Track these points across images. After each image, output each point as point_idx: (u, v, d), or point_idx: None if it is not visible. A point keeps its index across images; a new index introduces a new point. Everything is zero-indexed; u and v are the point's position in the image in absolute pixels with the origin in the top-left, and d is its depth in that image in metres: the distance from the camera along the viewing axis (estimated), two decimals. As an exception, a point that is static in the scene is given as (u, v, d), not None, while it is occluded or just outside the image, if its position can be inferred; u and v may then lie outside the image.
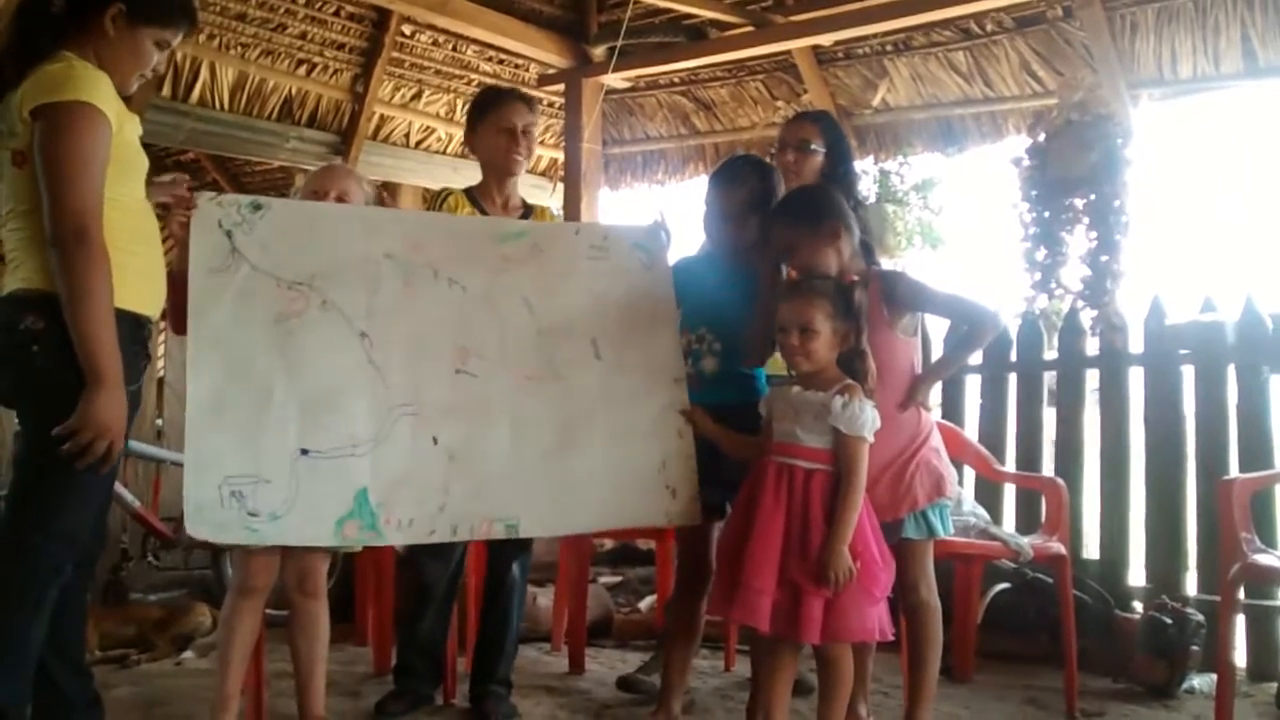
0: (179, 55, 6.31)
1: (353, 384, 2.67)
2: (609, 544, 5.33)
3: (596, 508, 2.88)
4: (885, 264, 3.06)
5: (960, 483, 3.87)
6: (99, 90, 2.28)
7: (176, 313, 2.62)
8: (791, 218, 2.89)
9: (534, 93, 7.16)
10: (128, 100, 2.44)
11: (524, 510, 2.79)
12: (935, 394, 3.61)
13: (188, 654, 3.90)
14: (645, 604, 4.71)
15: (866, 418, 2.61)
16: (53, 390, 2.24)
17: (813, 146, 3.44)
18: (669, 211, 3.11)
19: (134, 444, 4.40)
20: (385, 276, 2.78)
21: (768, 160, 3.40)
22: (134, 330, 2.38)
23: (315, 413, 2.62)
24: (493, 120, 3.27)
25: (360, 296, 2.73)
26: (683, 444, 2.92)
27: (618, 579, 5.09)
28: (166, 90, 6.32)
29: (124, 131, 2.36)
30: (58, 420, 2.23)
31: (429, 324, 2.79)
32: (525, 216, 3.30)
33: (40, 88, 2.25)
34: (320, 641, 2.80)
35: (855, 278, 2.77)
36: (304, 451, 2.59)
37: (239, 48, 6.53)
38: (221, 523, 2.52)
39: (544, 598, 4.42)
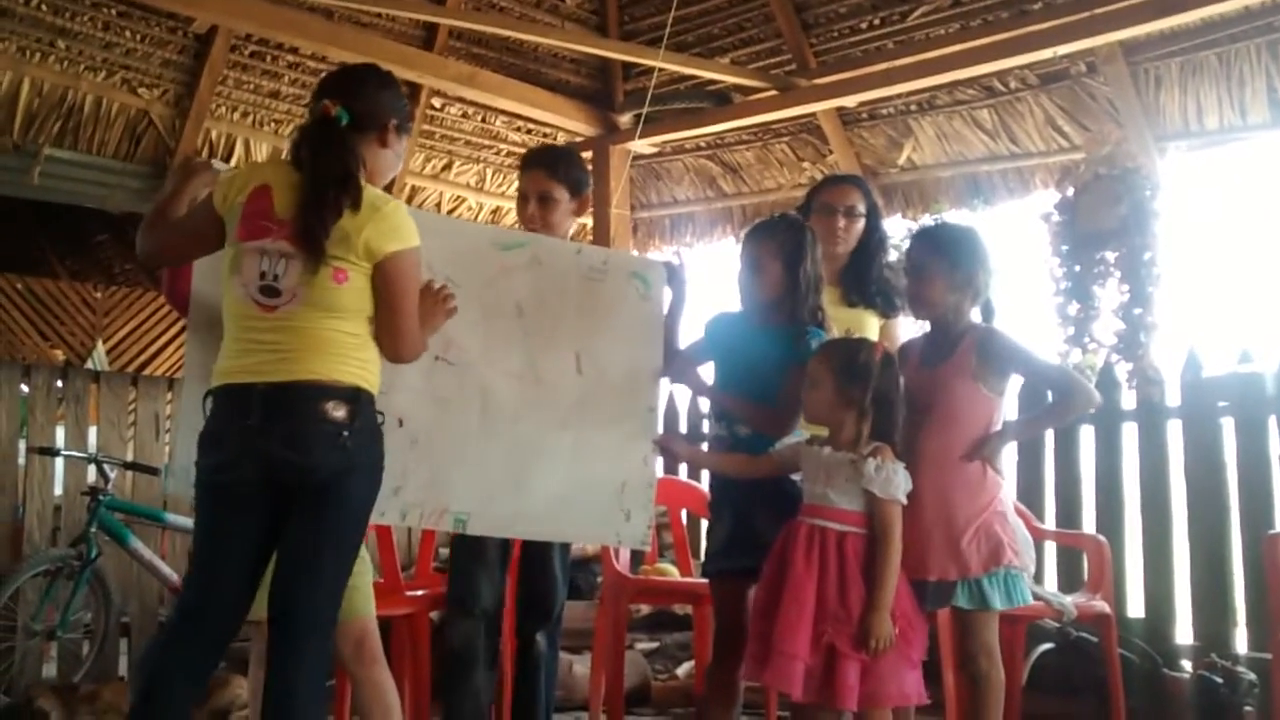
0: (213, 132, 6.45)
1: None
2: (645, 609, 5.28)
3: (549, 517, 2.90)
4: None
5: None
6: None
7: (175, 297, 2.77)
8: (934, 248, 2.90)
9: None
10: None
11: (476, 506, 2.81)
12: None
13: (224, 727, 3.88)
14: (683, 670, 4.66)
15: (900, 480, 2.60)
16: (365, 471, 2.42)
17: (860, 211, 3.46)
18: (690, 260, 3.10)
19: (170, 517, 4.41)
20: None
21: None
22: (371, 400, 2.45)
23: None
24: (520, 188, 3.31)
25: None
26: (646, 471, 2.95)
27: (655, 645, 5.04)
28: (202, 166, 6.43)
29: None
30: (364, 497, 2.42)
31: None
32: None
33: (391, 231, 2.38)
34: (394, 711, 2.73)
35: (885, 345, 2.77)
36: None
37: (273, 124, 6.66)
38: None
39: (580, 665, 4.38)
